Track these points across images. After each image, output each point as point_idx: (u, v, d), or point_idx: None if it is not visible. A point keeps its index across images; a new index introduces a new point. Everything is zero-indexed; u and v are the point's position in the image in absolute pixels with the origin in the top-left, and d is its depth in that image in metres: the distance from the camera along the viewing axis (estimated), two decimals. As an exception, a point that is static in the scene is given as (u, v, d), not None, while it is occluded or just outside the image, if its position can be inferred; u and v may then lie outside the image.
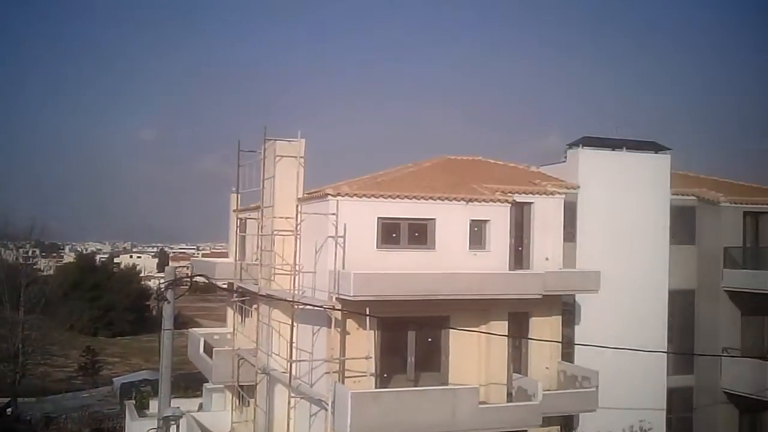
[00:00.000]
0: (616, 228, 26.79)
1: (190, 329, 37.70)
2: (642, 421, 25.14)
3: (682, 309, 28.57)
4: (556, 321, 24.83)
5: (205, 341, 31.05)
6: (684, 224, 28.52)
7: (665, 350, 26.89)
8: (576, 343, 25.63)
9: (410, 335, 22.98)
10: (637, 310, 26.73)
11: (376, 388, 21.72)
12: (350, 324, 21.71)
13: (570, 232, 25.84)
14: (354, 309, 20.98)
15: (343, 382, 21.36)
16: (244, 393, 28.36)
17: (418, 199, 22.50)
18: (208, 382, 32.80)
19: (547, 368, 24.70)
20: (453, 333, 22.98)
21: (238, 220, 30.10)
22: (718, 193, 28.48)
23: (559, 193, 25.07)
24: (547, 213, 24.62)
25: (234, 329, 30.60)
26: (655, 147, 28.18)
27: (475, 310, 22.79)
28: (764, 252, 28.10)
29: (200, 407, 34.00)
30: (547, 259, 24.35)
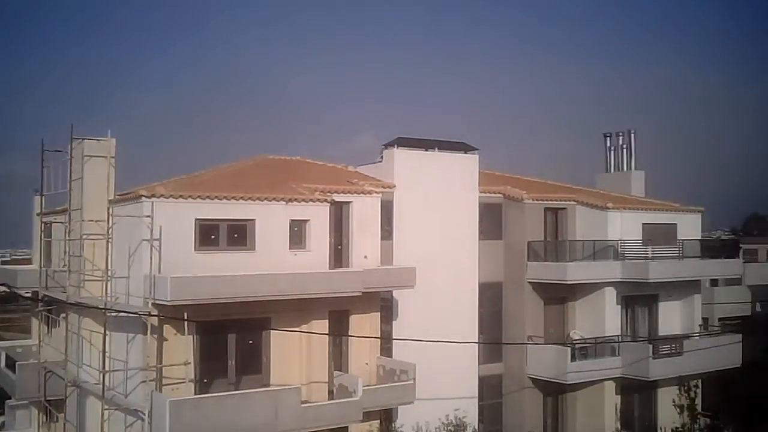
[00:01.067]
0: (430, 225, 27.66)
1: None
2: (457, 410, 26.15)
3: (491, 301, 30.06)
4: (375, 317, 25.38)
5: (6, 354, 29.07)
6: (492, 220, 30.00)
7: (476, 341, 28.21)
8: (394, 338, 26.27)
9: (230, 338, 22.69)
10: (451, 303, 27.80)
11: (195, 394, 21.28)
12: (167, 330, 21.10)
13: (387, 230, 26.45)
14: (171, 314, 20.39)
15: (160, 390, 20.70)
16: (51, 408, 26.64)
17: (237, 200, 22.17)
18: (10, 398, 30.58)
19: (366, 364, 25.21)
20: (274, 334, 22.92)
21: (43, 224, 28.21)
22: (521, 191, 30.28)
23: (376, 192, 25.61)
24: (365, 212, 25.09)
25: (40, 341, 28.64)
26: (464, 147, 29.40)
27: (297, 309, 22.87)
28: (563, 245, 30.23)
29: (2, 426, 31.63)
30: (365, 257, 24.83)
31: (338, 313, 24.39)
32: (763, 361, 34.01)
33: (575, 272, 29.01)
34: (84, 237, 23.20)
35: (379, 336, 25.53)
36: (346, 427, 23.80)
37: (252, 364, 23.02)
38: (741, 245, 36.26)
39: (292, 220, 23.03)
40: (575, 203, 31.00)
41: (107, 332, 22.06)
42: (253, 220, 22.40)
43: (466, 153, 29.25)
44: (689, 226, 32.64)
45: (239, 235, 22.31)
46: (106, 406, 22.14)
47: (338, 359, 24.96)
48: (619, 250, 29.97)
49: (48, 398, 25.67)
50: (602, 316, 30.34)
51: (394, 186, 26.94)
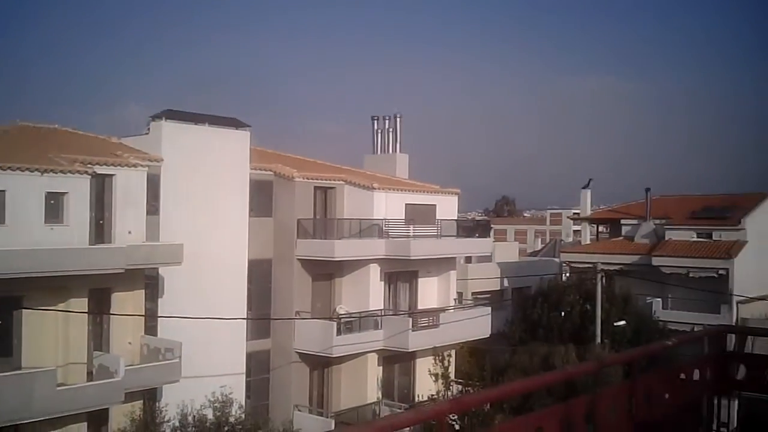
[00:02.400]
0: (199, 201, 27.16)
1: None
2: (223, 387, 26.01)
3: (261, 277, 30.20)
4: (138, 295, 24.67)
5: None
6: (262, 198, 30.09)
7: (244, 317, 28.26)
8: (159, 315, 25.64)
9: (-24, 319, 21.01)
10: (219, 280, 27.53)
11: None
12: None
13: (154, 205, 25.62)
14: None
15: None
16: None
17: (-14, 169, 20.49)
18: None
19: (130, 343, 24.47)
20: (28, 313, 21.65)
21: None
22: (292, 169, 30.66)
23: (141, 165, 24.68)
24: (129, 185, 24.16)
25: None
26: (235, 123, 29.14)
27: (53, 287, 21.70)
28: (331, 223, 31.08)
29: None
30: (129, 232, 23.93)
31: (99, 291, 23.51)
32: (509, 332, 37.21)
33: (342, 249, 29.95)
34: None
35: (143, 314, 24.78)
36: (106, 411, 22.96)
37: (1, 346, 21.53)
38: (492, 226, 39.34)
39: (49, 193, 21.67)
40: (344, 183, 31.94)
41: None
42: (4, 191, 20.83)
43: (237, 129, 28.96)
44: (447, 207, 34.88)
45: (-13, 207, 20.63)
46: None
47: (99, 339, 24.05)
48: (384, 228, 31.36)
49: None
50: (367, 291, 31.62)
51: (162, 159, 26.06)
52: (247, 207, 28.94)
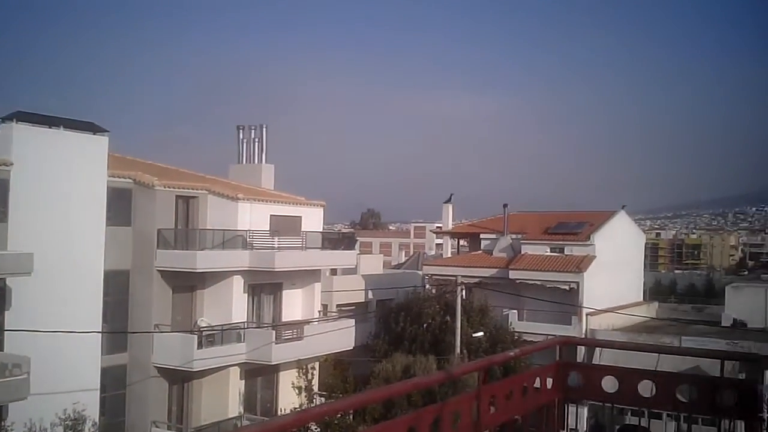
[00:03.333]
0: (53, 208, 25.91)
1: None
2: (76, 404, 24.93)
3: (117, 289, 29.09)
4: (-18, 307, 23.24)
5: None
6: (120, 206, 28.99)
7: (99, 330, 27.13)
8: (6, 329, 24.24)
9: None
10: (74, 291, 26.34)
11: None
12: None
13: (2, 212, 24.28)
14: None
15: None
16: None
17: None
18: None
19: (-29, 360, 22.93)
20: None
21: None
22: (152, 177, 29.78)
23: (-12, 169, 23.35)
24: (-26, 191, 22.74)
25: None
26: (93, 128, 27.95)
27: None
28: (194, 234, 30.43)
29: None
30: (-27, 240, 22.56)
31: (-63, 303, 21.86)
32: (373, 344, 37.64)
33: (205, 260, 29.40)
34: None
35: (-13, 328, 23.36)
36: None
37: None
38: (357, 238, 39.75)
39: None
40: (207, 192, 31.39)
41: None
42: None
43: (95, 134, 27.82)
44: (312, 219, 34.98)
45: None
46: None
47: (-65, 355, 22.40)
48: (248, 239, 31.03)
49: None
50: (230, 303, 31.18)
51: (11, 163, 24.69)
52: (103, 215, 27.77)
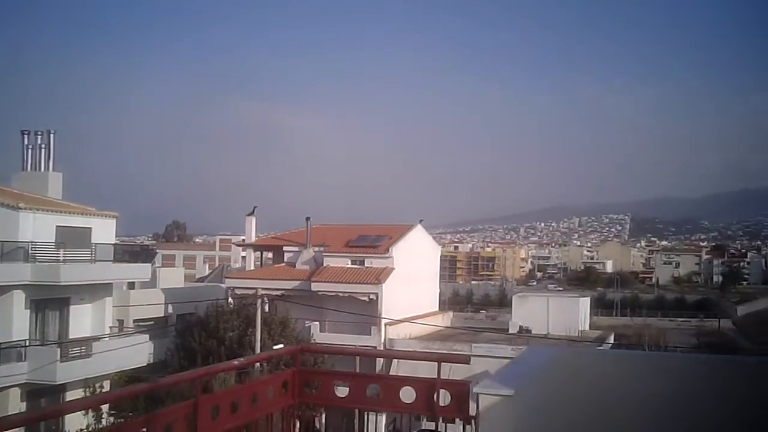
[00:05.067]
0: None
1: None
2: None
3: None
4: None
5: None
6: None
7: None
8: None
9: None
10: None
11: None
12: None
13: None
14: None
15: None
16: None
17: None
18: None
19: None
20: None
21: None
22: None
23: None
24: None
25: None
26: None
27: None
28: None
29: None
30: None
31: None
32: (169, 359, 36.54)
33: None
34: None
35: None
36: None
37: None
38: (159, 251, 38.57)
39: None
40: (-17, 201, 29.29)
41: None
42: None
43: None
44: (104, 230, 33.53)
45: None
46: None
47: None
48: (30, 251, 29.30)
49: None
50: (10, 320, 29.28)
51: None
52: None
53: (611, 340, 42.29)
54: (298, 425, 9.03)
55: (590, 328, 46.83)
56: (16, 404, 29.29)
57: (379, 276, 39.15)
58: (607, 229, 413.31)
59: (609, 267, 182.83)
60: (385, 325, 38.56)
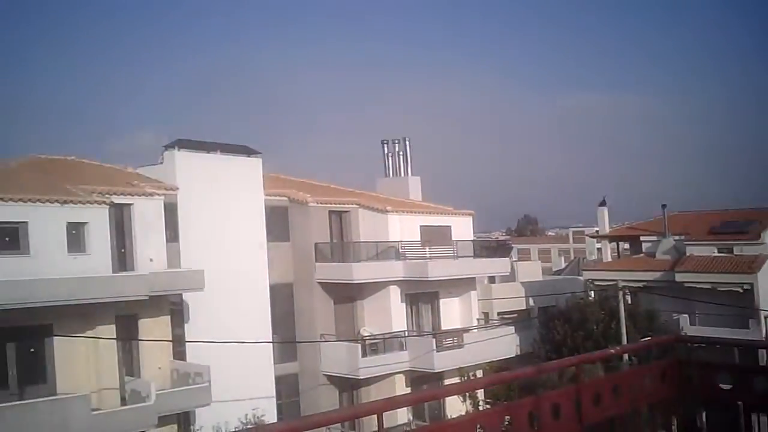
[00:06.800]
0: (217, 227, 27.76)
1: None
2: (255, 410, 26.34)
3: (283, 301, 30.80)
4: (164, 321, 25.28)
5: None
6: (278, 223, 30.72)
7: (269, 341, 28.72)
8: (187, 340, 26.10)
9: (9, 347, 21.82)
10: (242, 304, 28.04)
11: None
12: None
13: (173, 233, 26.35)
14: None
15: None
16: None
17: (6, 201, 21.39)
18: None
19: (159, 368, 24.98)
20: (58, 341, 22.25)
21: None
22: (305, 194, 31.33)
23: (158, 194, 25.53)
24: (147, 214, 24.97)
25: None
26: (247, 151, 29.88)
27: (80, 315, 22.33)
28: (347, 246, 31.67)
29: None
30: (151, 260, 24.70)
31: (126, 318, 24.07)
32: (536, 351, 37.19)
33: (360, 272, 30.49)
34: None
35: (170, 339, 25.29)
36: None
37: (35, 372, 22.30)
38: (514, 245, 39.44)
39: (70, 223, 22.49)
40: (358, 206, 32.61)
41: None
42: (26, 222, 21.68)
43: (249, 156, 29.65)
44: (463, 228, 35.23)
45: (11, 239, 21.55)
46: None
47: (129, 365, 24.64)
48: (400, 250, 31.80)
49: None
50: (389, 313, 32.01)
51: (177, 188, 26.79)
52: (264, 232, 29.55)
53: None
54: (675, 421, 8.68)
55: None
56: (401, 389, 31.86)
57: (752, 264, 35.82)
58: None
59: None
60: (765, 317, 35.16)
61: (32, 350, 22.38)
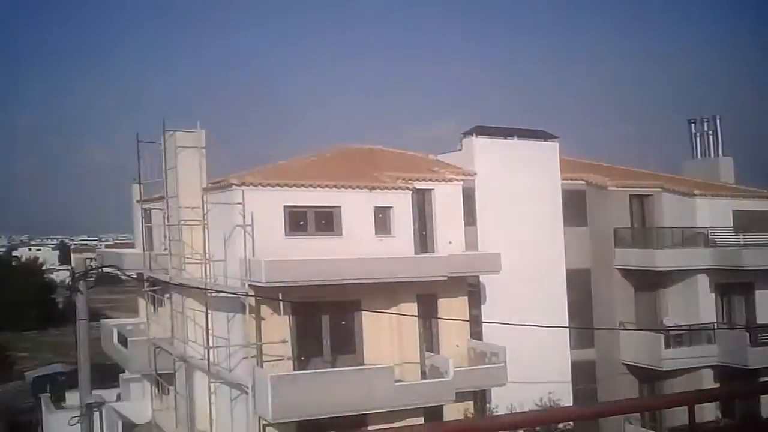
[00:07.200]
0: (513, 212, 27.83)
1: (101, 320, 35.88)
2: (551, 393, 26.21)
3: (580, 287, 30.03)
4: (462, 301, 25.99)
5: (118, 332, 30.52)
6: (575, 207, 29.96)
7: (566, 326, 28.34)
8: (483, 321, 26.54)
9: (324, 319, 23.88)
10: (538, 289, 27.92)
11: (294, 371, 22.52)
12: (264, 310, 22.46)
13: (470, 217, 26.94)
14: (266, 295, 21.75)
15: (261, 366, 22.09)
16: (163, 381, 28.56)
17: (323, 188, 23.37)
18: (123, 372, 32.65)
19: (457, 346, 25.77)
20: (365, 315, 23.91)
21: (143, 211, 29.51)
22: (605, 178, 30.23)
23: (457, 179, 26.24)
24: (447, 199, 25.83)
25: (147, 319, 30.35)
26: (544, 135, 29.56)
27: (385, 292, 23.77)
28: (650, 232, 30.06)
29: (118, 397, 33.60)
30: (450, 242, 25.51)
31: (426, 297, 25.08)
32: None
33: (665, 259, 28.80)
34: (181, 222, 24.83)
35: (467, 319, 25.92)
36: (441, 408, 24.29)
37: (346, 343, 24.19)
38: None
39: (376, 207, 24.04)
40: (661, 190, 30.72)
41: (209, 311, 23.74)
42: (339, 206, 23.56)
43: (546, 141, 29.40)
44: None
45: (326, 221, 23.58)
46: (212, 380, 23.86)
47: (429, 341, 25.64)
48: (709, 237, 29.54)
49: (159, 372, 27.54)
50: (696, 303, 29.94)
51: (475, 174, 27.33)
52: (560, 217, 29.14)
53: None
54: None
55: None
56: (709, 385, 29.65)
57: None
58: None
59: None
60: None
61: (343, 323, 24.23)
